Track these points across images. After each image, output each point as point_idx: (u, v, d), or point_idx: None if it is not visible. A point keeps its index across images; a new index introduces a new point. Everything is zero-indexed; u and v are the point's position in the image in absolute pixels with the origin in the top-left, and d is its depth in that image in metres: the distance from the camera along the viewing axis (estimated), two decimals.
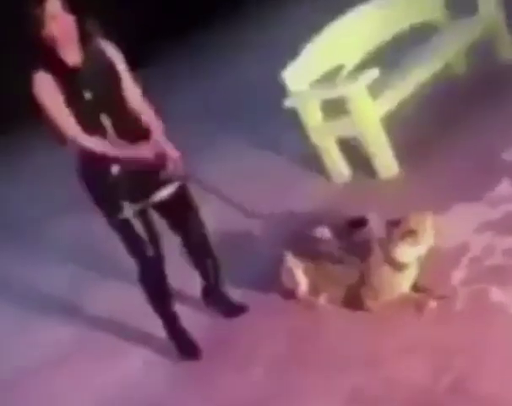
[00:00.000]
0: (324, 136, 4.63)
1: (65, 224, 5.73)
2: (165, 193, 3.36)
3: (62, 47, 3.12)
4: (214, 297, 3.77)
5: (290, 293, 3.49)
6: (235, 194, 4.83)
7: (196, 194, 4.66)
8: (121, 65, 3.30)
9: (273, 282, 3.60)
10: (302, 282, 3.44)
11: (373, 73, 4.25)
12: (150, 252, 3.36)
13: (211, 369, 3.40)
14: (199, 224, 3.58)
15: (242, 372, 3.25)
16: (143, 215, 3.32)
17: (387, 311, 3.10)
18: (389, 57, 4.92)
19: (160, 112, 3.42)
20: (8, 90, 9.30)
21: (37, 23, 3.06)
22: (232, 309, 3.70)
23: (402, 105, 4.47)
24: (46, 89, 3.10)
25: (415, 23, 5.17)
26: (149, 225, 3.37)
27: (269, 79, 4.98)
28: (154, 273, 3.44)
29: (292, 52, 4.67)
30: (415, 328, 2.96)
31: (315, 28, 4.80)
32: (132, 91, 3.33)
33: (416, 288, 3.14)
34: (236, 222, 4.62)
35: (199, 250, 3.65)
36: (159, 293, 3.50)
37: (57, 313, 4.62)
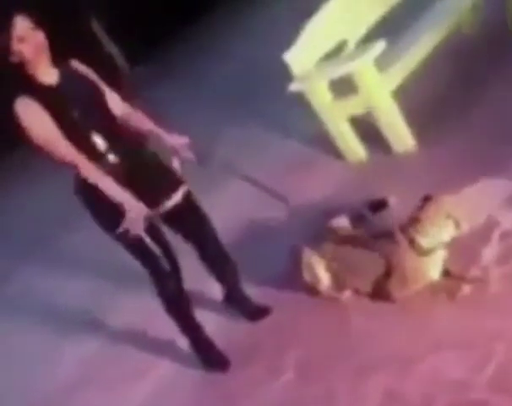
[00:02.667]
0: (334, 116, 4.44)
1: (80, 237, 5.61)
2: (171, 203, 3.21)
3: (36, 67, 2.95)
4: (236, 301, 3.62)
5: (312, 290, 3.33)
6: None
7: (211, 182, 4.62)
8: (98, 80, 3.16)
9: (295, 278, 3.43)
10: (324, 278, 3.27)
11: (380, 45, 4.04)
12: (165, 266, 3.20)
13: (239, 376, 3.25)
14: (211, 231, 3.41)
15: (271, 378, 3.11)
16: (150, 227, 3.15)
17: (418, 302, 2.93)
18: (395, 25, 4.68)
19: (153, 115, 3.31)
20: None
21: (5, 48, 2.89)
22: (256, 312, 3.55)
23: (412, 74, 4.27)
24: (32, 114, 2.91)
25: None
26: (158, 237, 3.21)
27: (272, 61, 4.79)
28: (170, 287, 3.27)
29: (294, 30, 4.48)
30: (449, 318, 2.78)
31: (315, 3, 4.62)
32: (114, 100, 3.19)
33: (446, 273, 2.96)
34: (253, 214, 4.49)
35: (215, 257, 3.49)
36: (178, 307, 3.35)
37: (79, 328, 4.50)
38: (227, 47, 9.04)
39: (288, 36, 4.48)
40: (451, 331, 2.70)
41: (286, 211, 4.04)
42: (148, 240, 3.12)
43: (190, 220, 3.32)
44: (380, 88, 4.13)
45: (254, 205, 4.60)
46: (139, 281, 4.04)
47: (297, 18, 4.57)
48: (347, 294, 3.24)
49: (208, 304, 3.76)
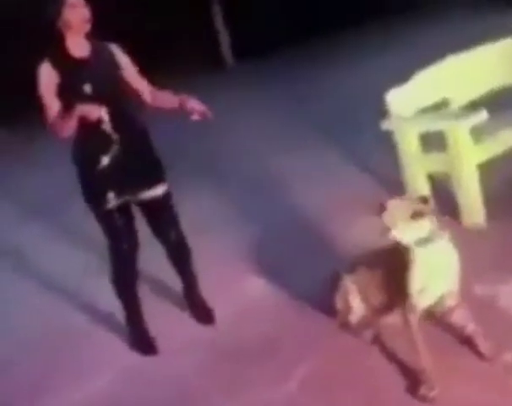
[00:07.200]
0: (415, 167, 4.46)
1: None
2: (152, 194, 3.47)
3: (73, 37, 3.24)
4: (190, 299, 3.85)
5: (342, 319, 3.35)
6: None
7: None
8: (123, 58, 3.43)
9: (328, 301, 3.45)
10: (357, 307, 3.27)
11: (481, 115, 4.05)
12: (125, 244, 3.46)
13: (245, 373, 3.32)
14: (178, 234, 3.65)
15: (276, 383, 3.17)
16: (125, 208, 3.44)
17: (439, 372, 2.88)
18: (499, 102, 4.67)
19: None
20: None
21: (56, 9, 3.19)
22: (202, 316, 3.77)
23: (504, 155, 4.26)
24: (44, 78, 3.23)
25: None
26: (129, 219, 3.49)
27: (375, 94, 4.83)
28: (125, 265, 3.53)
29: (402, 76, 4.54)
30: (469, 393, 2.78)
31: (432, 57, 4.68)
32: (142, 85, 3.51)
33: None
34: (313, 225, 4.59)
35: (179, 257, 3.74)
36: (126, 285, 3.60)
37: (71, 298, 4.58)
38: (336, 70, 9.15)
39: (398, 75, 4.54)
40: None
41: None
42: (117, 216, 3.40)
43: (162, 218, 3.58)
44: (468, 157, 4.13)
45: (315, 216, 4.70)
46: None
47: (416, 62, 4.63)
48: (369, 335, 3.25)
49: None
